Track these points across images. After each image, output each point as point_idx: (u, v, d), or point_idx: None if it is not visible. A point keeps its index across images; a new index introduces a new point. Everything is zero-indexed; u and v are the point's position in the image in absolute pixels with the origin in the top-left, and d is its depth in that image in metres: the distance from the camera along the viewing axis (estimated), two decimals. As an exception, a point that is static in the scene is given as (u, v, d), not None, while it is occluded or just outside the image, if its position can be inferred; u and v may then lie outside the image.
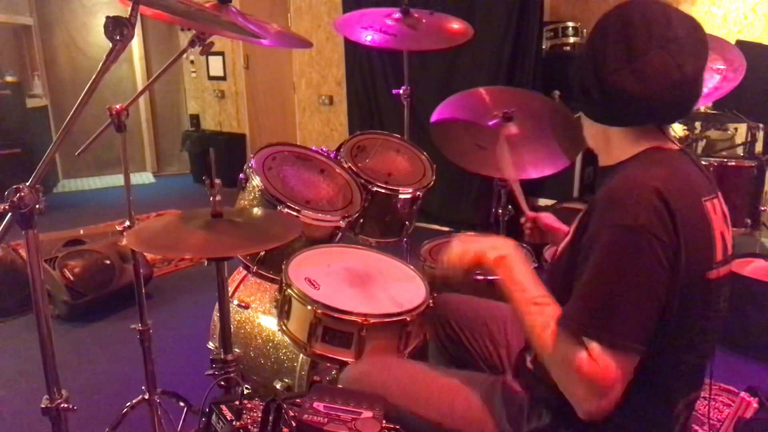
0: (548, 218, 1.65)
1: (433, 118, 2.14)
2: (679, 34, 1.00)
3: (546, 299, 1.06)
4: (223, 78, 6.44)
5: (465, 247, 1.18)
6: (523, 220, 1.71)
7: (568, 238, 1.12)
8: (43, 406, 1.15)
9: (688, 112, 1.08)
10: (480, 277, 1.81)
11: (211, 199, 1.38)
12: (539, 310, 1.04)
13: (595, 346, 0.94)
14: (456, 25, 2.39)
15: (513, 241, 1.18)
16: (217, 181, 1.38)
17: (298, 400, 1.10)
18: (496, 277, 1.12)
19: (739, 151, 3.28)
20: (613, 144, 1.12)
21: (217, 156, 1.39)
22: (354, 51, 4.94)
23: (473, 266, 1.16)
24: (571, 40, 4.20)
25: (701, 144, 3.48)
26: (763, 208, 3.02)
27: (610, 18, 1.05)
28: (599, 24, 1.07)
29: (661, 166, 1.02)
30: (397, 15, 2.32)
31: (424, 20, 2.33)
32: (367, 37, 2.29)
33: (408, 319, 1.45)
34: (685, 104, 1.05)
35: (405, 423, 1.20)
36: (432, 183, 2.13)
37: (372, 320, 1.42)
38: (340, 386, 1.33)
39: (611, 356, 0.93)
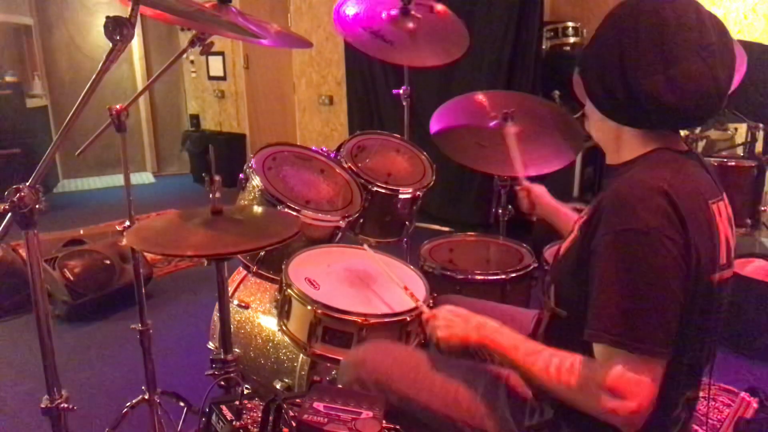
0: (540, 189, 1.70)
1: (433, 128, 2.13)
2: (712, 40, 0.97)
3: (537, 347, 1.09)
4: (223, 78, 6.44)
5: (449, 333, 1.22)
6: (518, 187, 1.75)
7: (572, 237, 1.11)
8: (43, 406, 1.15)
9: (711, 118, 1.07)
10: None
11: (211, 195, 1.38)
12: (535, 359, 1.06)
13: (617, 354, 0.94)
14: (439, 6, 2.34)
15: (480, 317, 1.22)
16: (217, 177, 1.37)
17: (298, 400, 1.10)
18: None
19: (739, 151, 3.28)
20: (623, 143, 1.10)
21: (217, 156, 1.40)
22: (354, 51, 4.91)
23: (461, 349, 1.22)
24: (571, 40, 4.20)
25: (701, 144, 3.48)
26: (763, 208, 3.02)
27: (642, 15, 1.00)
28: (627, 19, 1.02)
29: (667, 167, 1.01)
30: (395, 12, 2.27)
31: (421, 17, 2.29)
32: (350, 11, 2.23)
33: (408, 319, 1.45)
34: (712, 111, 1.03)
35: (407, 410, 1.20)
36: (432, 183, 2.13)
37: (372, 320, 1.42)
38: (340, 375, 1.33)
39: (633, 361, 0.93)
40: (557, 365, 1.02)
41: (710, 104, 1.01)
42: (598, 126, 1.15)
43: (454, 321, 1.23)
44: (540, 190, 1.71)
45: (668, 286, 0.94)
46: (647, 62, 0.98)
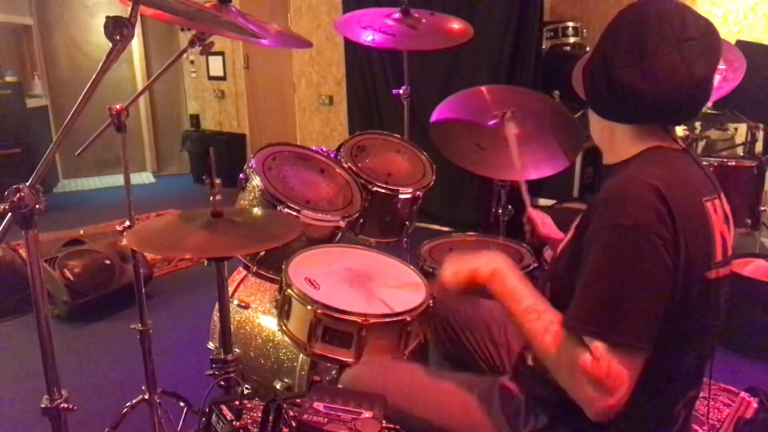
0: (546, 227, 1.67)
1: (433, 117, 2.14)
2: (692, 35, 0.99)
3: (542, 305, 1.06)
4: (223, 78, 6.44)
5: (457, 267, 1.19)
6: (524, 219, 1.73)
7: (569, 237, 1.12)
8: (43, 406, 1.14)
9: (695, 115, 1.07)
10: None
11: (211, 198, 1.38)
12: (536, 317, 1.04)
13: (599, 345, 0.95)
14: (456, 25, 2.40)
15: (500, 254, 1.17)
16: (217, 180, 1.38)
17: (298, 400, 1.10)
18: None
19: (739, 151, 3.28)
20: (617, 141, 1.11)
21: (217, 156, 1.39)
22: (354, 51, 4.94)
23: (467, 284, 1.17)
24: (571, 40, 4.21)
25: (701, 144, 3.48)
26: (763, 208, 3.02)
27: (626, 14, 1.05)
28: (615, 20, 1.06)
29: (661, 165, 1.02)
30: (397, 15, 2.32)
31: (424, 20, 2.33)
32: (368, 37, 2.29)
33: (408, 319, 1.45)
34: (692, 106, 1.04)
35: (403, 425, 1.20)
36: (432, 183, 2.13)
37: (372, 320, 1.42)
38: (340, 386, 1.33)
39: (616, 355, 0.93)
40: (554, 334, 1.01)
41: (688, 96, 1.02)
42: (595, 126, 1.17)
43: (464, 256, 1.20)
44: (546, 228, 1.67)
45: (653, 283, 0.94)
46: (625, 54, 1.02)
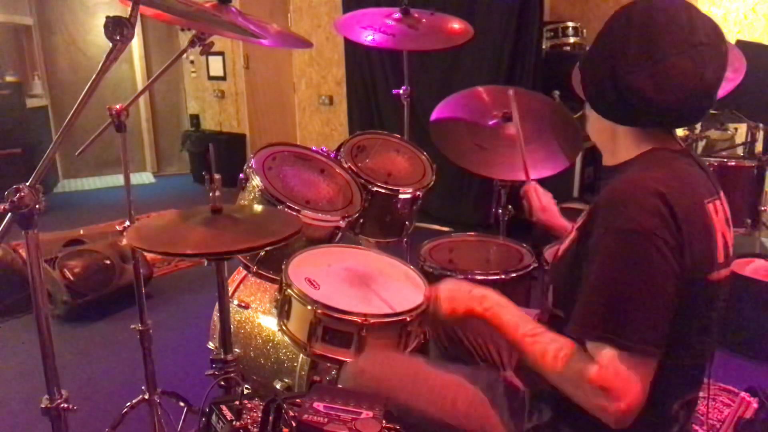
0: (546, 213, 1.68)
1: (433, 117, 2.14)
2: (701, 40, 0.98)
3: (537, 329, 1.08)
4: (223, 78, 6.44)
5: (453, 305, 1.24)
6: (521, 193, 1.73)
7: (571, 238, 1.12)
8: (43, 406, 1.14)
9: (700, 119, 1.07)
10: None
11: (210, 194, 1.38)
12: (534, 341, 1.06)
13: (606, 351, 0.94)
14: (456, 25, 2.40)
15: (488, 289, 1.23)
16: (217, 176, 1.37)
17: (298, 400, 1.10)
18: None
19: (739, 151, 3.28)
20: (618, 142, 1.11)
21: (217, 156, 1.39)
22: (354, 51, 4.94)
23: (464, 320, 1.24)
24: (571, 40, 4.21)
25: (701, 144, 3.48)
26: (763, 208, 3.02)
27: (633, 13, 1.02)
28: (620, 18, 1.04)
29: (663, 167, 1.02)
30: (397, 15, 2.32)
31: (424, 20, 2.34)
32: (368, 37, 2.29)
33: (408, 319, 1.45)
34: (699, 111, 1.04)
35: (406, 419, 1.20)
36: (432, 183, 2.13)
37: (372, 320, 1.41)
38: (340, 386, 1.33)
39: (623, 360, 0.93)
40: (554, 352, 1.02)
41: (697, 102, 1.01)
42: (595, 126, 1.16)
43: (457, 293, 1.24)
44: (547, 205, 1.69)
45: (659, 287, 0.94)
46: (634, 59, 1.00)
